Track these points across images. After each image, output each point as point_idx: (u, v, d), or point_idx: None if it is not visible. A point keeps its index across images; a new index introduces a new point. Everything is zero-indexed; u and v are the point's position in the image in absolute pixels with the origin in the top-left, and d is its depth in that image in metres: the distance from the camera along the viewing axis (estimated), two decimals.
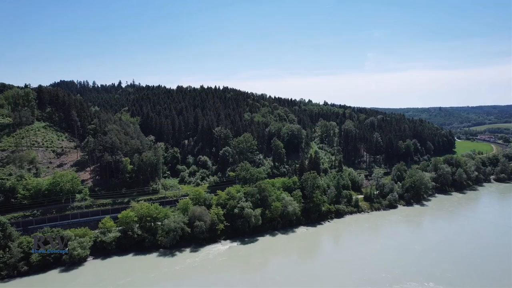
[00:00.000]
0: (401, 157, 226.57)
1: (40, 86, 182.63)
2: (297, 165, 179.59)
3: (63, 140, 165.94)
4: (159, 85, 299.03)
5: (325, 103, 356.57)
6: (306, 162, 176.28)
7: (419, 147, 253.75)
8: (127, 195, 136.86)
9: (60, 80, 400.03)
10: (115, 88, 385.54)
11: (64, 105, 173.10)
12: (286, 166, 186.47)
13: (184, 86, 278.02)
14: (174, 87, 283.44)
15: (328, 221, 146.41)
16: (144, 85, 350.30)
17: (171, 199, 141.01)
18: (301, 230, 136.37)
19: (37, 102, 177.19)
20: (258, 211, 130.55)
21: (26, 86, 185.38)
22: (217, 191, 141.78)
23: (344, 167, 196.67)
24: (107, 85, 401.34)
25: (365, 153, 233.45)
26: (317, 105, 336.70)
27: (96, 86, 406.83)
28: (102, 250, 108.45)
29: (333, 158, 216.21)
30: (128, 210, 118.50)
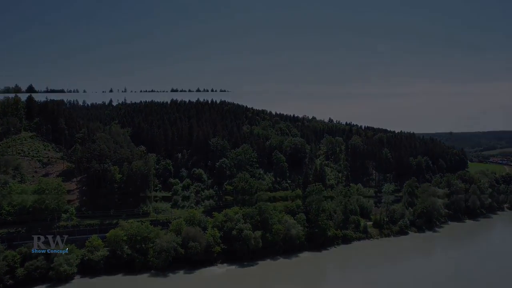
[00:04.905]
0: (412, 175, 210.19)
1: (30, 95, 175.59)
2: (300, 180, 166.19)
3: (49, 150, 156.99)
4: (152, 100, 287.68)
5: (330, 120, 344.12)
6: (311, 176, 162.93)
7: (431, 165, 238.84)
8: (115, 217, 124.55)
9: (50, 100, 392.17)
10: (106, 106, 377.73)
11: (53, 113, 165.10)
12: (289, 181, 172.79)
13: (179, 100, 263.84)
14: (168, 100, 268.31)
15: (335, 247, 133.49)
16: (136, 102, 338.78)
17: (162, 221, 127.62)
18: (305, 255, 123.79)
19: (26, 111, 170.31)
20: (258, 233, 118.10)
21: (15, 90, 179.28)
22: (213, 212, 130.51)
23: (351, 184, 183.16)
24: (97, 103, 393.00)
25: (373, 171, 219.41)
26: (322, 122, 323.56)
27: (86, 105, 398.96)
28: (90, 269, 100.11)
29: (340, 175, 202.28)
30: (117, 228, 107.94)
